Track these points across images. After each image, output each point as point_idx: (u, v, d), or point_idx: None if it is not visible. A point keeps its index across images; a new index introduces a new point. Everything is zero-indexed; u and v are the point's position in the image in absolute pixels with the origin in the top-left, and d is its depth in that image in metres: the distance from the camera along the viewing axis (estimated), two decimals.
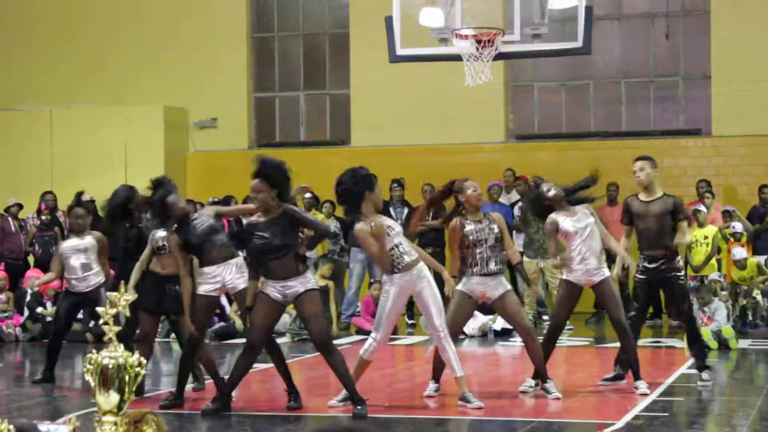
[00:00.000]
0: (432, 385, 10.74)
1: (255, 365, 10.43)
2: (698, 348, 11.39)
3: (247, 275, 10.19)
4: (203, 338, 10.67)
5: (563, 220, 10.86)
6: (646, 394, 10.63)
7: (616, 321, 10.79)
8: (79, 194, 12.62)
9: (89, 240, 12.35)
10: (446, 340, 10.06)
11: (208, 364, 10.79)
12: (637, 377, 10.83)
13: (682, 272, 11.38)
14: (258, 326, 9.96)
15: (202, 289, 10.26)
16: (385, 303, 10.14)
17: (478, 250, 10.38)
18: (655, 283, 11.24)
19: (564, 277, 10.95)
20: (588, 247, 10.78)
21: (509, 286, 10.62)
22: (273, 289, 9.87)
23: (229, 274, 10.31)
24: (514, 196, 18.67)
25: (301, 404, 10.23)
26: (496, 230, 10.46)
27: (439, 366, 10.64)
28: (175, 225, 10.35)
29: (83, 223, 12.44)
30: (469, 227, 10.43)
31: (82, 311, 13.29)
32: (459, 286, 10.56)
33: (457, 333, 10.70)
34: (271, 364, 10.82)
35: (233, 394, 10.30)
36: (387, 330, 10.20)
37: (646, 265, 11.12)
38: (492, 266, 10.40)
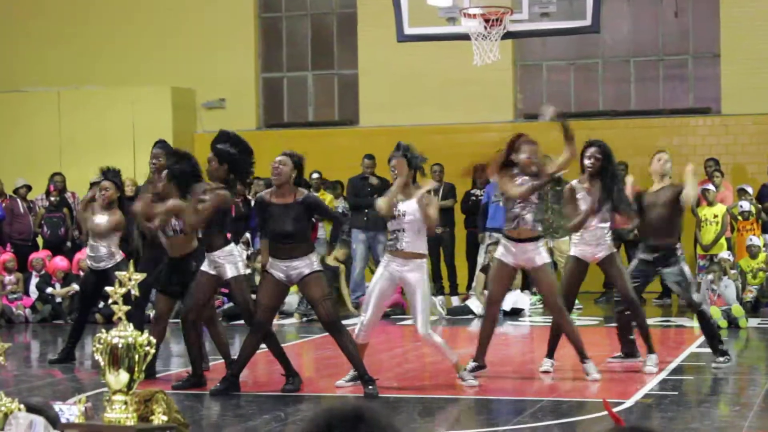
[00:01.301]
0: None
1: (263, 347, 10.43)
2: (711, 337, 11.37)
3: (238, 263, 10.21)
4: (201, 316, 10.60)
5: (581, 192, 10.81)
6: (654, 372, 10.65)
7: (625, 296, 10.81)
8: (106, 170, 12.49)
9: (105, 218, 12.30)
10: (431, 341, 10.08)
11: (220, 345, 10.81)
12: (651, 350, 10.87)
13: (680, 265, 11.25)
14: (263, 306, 10.00)
15: (204, 266, 10.28)
16: (374, 285, 10.18)
17: (512, 204, 10.37)
18: (654, 271, 11.26)
19: (571, 252, 11.02)
20: (595, 225, 10.77)
21: (548, 259, 10.61)
22: (277, 270, 9.90)
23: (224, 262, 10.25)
24: None
25: (299, 386, 10.21)
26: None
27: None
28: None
29: (108, 195, 12.36)
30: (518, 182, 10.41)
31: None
32: (497, 254, 10.63)
33: (498, 304, 10.79)
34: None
35: (242, 374, 10.32)
36: (375, 312, 10.14)
37: (650, 253, 11.13)
38: (529, 219, 10.33)
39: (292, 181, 9.91)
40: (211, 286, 10.44)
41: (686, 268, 11.19)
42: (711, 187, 16.99)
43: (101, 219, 12.25)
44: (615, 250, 10.98)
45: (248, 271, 10.71)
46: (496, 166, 10.74)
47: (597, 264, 11.03)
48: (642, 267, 11.24)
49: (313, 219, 10.72)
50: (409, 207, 9.97)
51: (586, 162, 10.82)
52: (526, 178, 10.41)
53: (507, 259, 10.47)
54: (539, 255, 10.40)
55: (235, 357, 10.39)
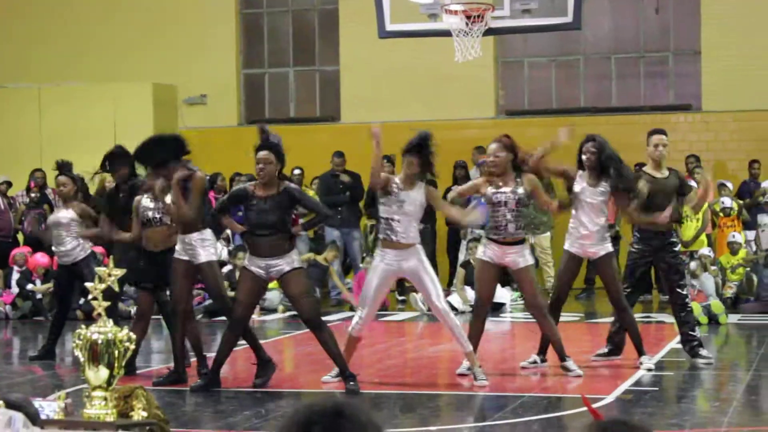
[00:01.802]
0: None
1: (241, 342, 10.43)
2: (689, 328, 11.34)
3: (211, 248, 10.21)
4: (190, 304, 10.65)
5: (581, 185, 10.75)
6: (651, 369, 10.64)
7: (615, 297, 10.75)
8: (61, 164, 12.49)
9: (70, 213, 12.29)
10: (449, 318, 10.06)
11: (194, 340, 10.76)
12: (641, 352, 10.83)
13: (678, 247, 11.33)
14: (241, 302, 9.98)
15: (177, 252, 10.25)
16: (371, 279, 10.16)
17: (498, 212, 10.32)
18: (651, 259, 11.20)
19: (566, 247, 10.89)
20: (592, 220, 10.68)
21: (531, 261, 10.57)
22: (256, 266, 9.87)
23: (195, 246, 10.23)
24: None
25: (270, 374, 10.26)
26: (521, 193, 10.33)
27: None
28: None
29: (66, 191, 12.34)
30: (491, 188, 10.36)
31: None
32: (479, 254, 10.61)
33: (487, 303, 10.75)
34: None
35: (222, 370, 10.30)
36: (373, 306, 10.19)
37: (646, 241, 11.08)
38: (511, 230, 10.30)
39: (277, 174, 9.87)
40: (190, 272, 10.34)
41: (679, 259, 11.20)
42: (692, 183, 17.02)
43: (64, 214, 12.23)
44: (612, 249, 10.90)
45: (222, 256, 10.65)
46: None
47: (592, 261, 10.97)
48: (643, 250, 11.12)
49: (293, 212, 10.66)
50: (408, 197, 9.95)
51: (584, 157, 10.76)
52: (495, 179, 10.37)
53: (490, 258, 10.43)
54: (523, 257, 10.38)
55: (212, 354, 10.37)
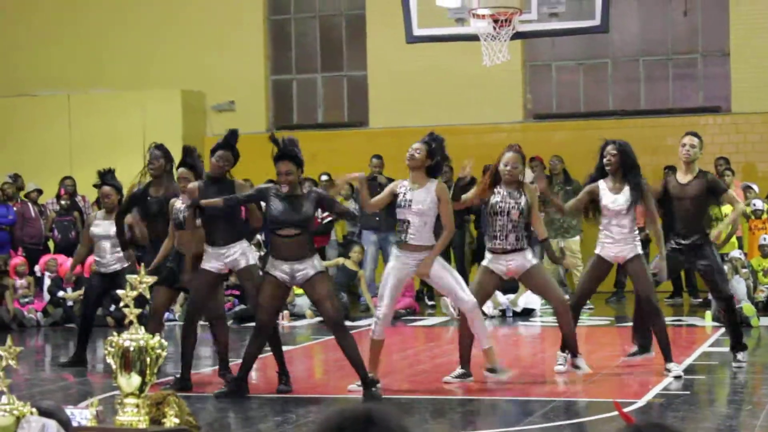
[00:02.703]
0: (458, 370, 10.66)
1: (268, 349, 10.43)
2: (734, 328, 11.23)
3: (249, 254, 10.23)
4: (201, 314, 10.68)
5: (605, 192, 10.68)
6: (680, 377, 10.54)
7: (647, 300, 10.61)
8: (103, 172, 12.53)
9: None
10: (476, 312, 10.00)
11: (222, 347, 10.73)
12: (668, 359, 10.67)
13: (712, 255, 11.09)
14: (265, 307, 9.89)
15: (207, 264, 10.23)
16: (386, 278, 10.09)
17: (498, 221, 10.28)
18: (685, 260, 11.10)
19: (597, 251, 10.80)
20: (621, 225, 10.61)
21: (534, 261, 10.48)
22: (280, 271, 9.78)
23: (232, 255, 10.24)
24: (527, 176, 18.59)
25: (291, 387, 10.27)
26: (523, 204, 10.29)
27: (465, 352, 10.54)
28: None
29: (110, 202, 12.40)
30: (496, 197, 10.33)
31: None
32: (484, 262, 10.53)
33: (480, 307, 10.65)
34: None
35: (251, 376, 10.32)
36: (388, 304, 10.03)
37: (680, 241, 10.97)
38: (512, 240, 10.26)
39: (299, 181, 9.87)
40: (212, 285, 10.39)
41: (718, 258, 11.08)
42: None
43: (108, 225, 12.27)
44: (641, 251, 10.78)
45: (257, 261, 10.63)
46: (484, 186, 10.56)
47: (622, 264, 10.86)
48: (671, 255, 10.99)
49: (319, 216, 10.66)
50: (416, 196, 9.87)
51: (604, 161, 10.70)
52: (503, 189, 10.34)
53: (494, 267, 10.39)
54: (525, 261, 10.33)
55: (239, 360, 10.37)
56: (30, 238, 18.43)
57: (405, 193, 9.89)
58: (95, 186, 12.94)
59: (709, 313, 15.00)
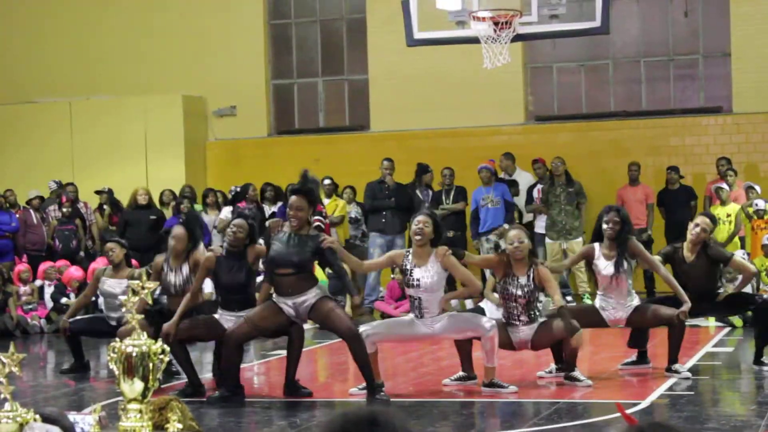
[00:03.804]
0: (459, 373, 10.74)
1: (277, 352, 10.44)
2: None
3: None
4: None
5: (600, 259, 10.82)
6: (688, 378, 10.59)
7: (669, 320, 10.72)
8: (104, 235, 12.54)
9: (125, 283, 12.20)
10: (493, 333, 10.02)
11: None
12: (676, 360, 10.78)
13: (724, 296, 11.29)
14: (250, 320, 9.97)
15: (219, 316, 10.37)
16: (395, 323, 10.37)
17: (508, 303, 10.41)
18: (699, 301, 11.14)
19: (597, 305, 10.97)
20: (618, 291, 10.77)
21: (542, 319, 10.50)
22: (285, 305, 9.90)
23: None
24: (527, 178, 18.58)
25: (311, 391, 10.33)
26: (531, 287, 10.34)
27: (465, 355, 10.62)
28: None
29: (114, 256, 12.37)
30: (502, 283, 10.45)
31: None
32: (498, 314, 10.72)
33: None
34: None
35: (256, 380, 10.31)
36: (378, 333, 10.12)
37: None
38: (524, 319, 10.37)
39: (309, 218, 9.98)
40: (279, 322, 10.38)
41: (729, 289, 11.21)
42: (724, 186, 17.01)
43: (115, 283, 12.29)
44: (638, 302, 10.88)
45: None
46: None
47: (625, 325, 11.00)
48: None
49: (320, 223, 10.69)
50: (424, 274, 10.00)
51: (605, 226, 10.79)
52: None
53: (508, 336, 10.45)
54: (535, 326, 10.40)
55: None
56: (32, 245, 18.46)
57: (412, 271, 10.02)
58: (97, 192, 12.95)
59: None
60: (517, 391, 10.14)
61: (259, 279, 11.34)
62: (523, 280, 10.33)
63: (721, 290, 11.38)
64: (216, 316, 10.39)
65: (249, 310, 10.20)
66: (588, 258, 10.93)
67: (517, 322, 10.36)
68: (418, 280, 9.97)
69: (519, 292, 10.31)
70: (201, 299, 10.77)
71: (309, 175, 10.11)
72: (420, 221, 10.07)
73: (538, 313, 10.44)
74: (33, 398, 10.53)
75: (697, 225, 11.16)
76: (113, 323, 12.04)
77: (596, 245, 10.87)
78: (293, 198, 9.90)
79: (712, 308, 11.53)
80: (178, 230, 11.11)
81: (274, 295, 10.04)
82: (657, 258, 11.22)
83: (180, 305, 10.38)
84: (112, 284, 12.35)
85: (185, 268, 11.05)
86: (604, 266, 10.77)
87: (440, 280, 10.07)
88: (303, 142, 20.85)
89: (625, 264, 10.74)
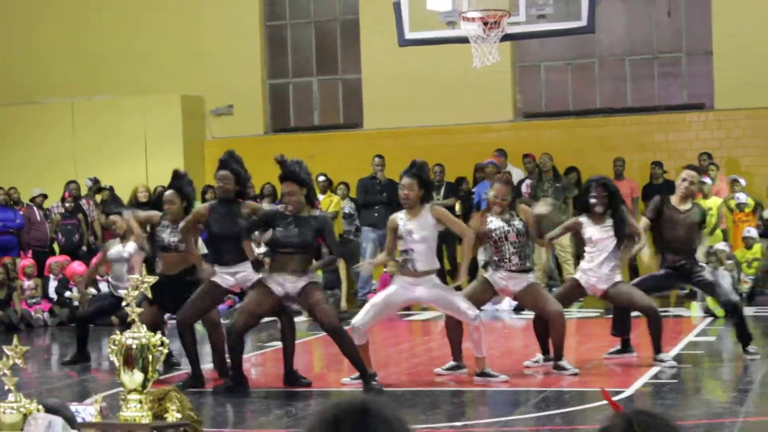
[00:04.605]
0: (450, 363, 10.91)
1: (273, 343, 10.68)
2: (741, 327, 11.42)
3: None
4: (195, 320, 10.79)
5: (588, 227, 10.97)
6: (674, 366, 10.77)
7: (643, 308, 10.90)
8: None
9: (131, 246, 12.65)
10: (478, 324, 10.18)
11: (219, 353, 10.95)
12: (660, 350, 10.96)
13: (705, 269, 11.47)
14: (246, 310, 10.17)
15: (218, 279, 10.49)
16: (381, 298, 10.47)
17: (500, 247, 10.58)
18: (676, 278, 11.43)
19: (576, 276, 11.14)
20: (603, 257, 10.91)
21: (532, 280, 10.77)
22: (274, 282, 10.08)
23: (242, 273, 10.50)
24: (517, 173, 18.79)
25: (309, 381, 10.53)
26: (519, 226, 10.60)
27: (456, 344, 10.80)
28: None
29: (118, 228, 12.72)
30: (491, 225, 10.64)
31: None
32: (486, 273, 10.86)
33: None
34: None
35: (254, 371, 10.52)
36: (368, 321, 10.31)
37: (672, 264, 11.26)
38: (516, 261, 10.56)
39: (305, 201, 10.13)
40: (216, 299, 10.78)
41: (708, 275, 11.33)
42: (707, 180, 17.23)
43: (123, 248, 12.63)
44: (620, 278, 11.02)
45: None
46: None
47: (602, 296, 11.12)
48: (663, 277, 11.36)
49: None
50: (416, 225, 10.17)
51: (593, 201, 10.94)
52: (495, 217, 10.63)
53: (494, 281, 10.66)
54: (526, 280, 10.61)
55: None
56: (36, 241, 18.70)
57: (404, 225, 10.19)
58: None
59: (695, 304, 15.23)
60: (508, 380, 10.29)
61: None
62: (507, 216, 10.56)
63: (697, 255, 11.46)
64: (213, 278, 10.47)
65: (243, 268, 10.41)
66: (576, 229, 11.09)
67: (508, 265, 10.50)
68: (410, 231, 10.12)
69: (508, 228, 10.50)
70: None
71: (286, 160, 10.18)
72: (404, 186, 10.23)
73: (528, 263, 10.68)
74: (37, 389, 10.68)
75: (684, 179, 11.32)
76: (120, 293, 12.30)
77: (583, 217, 11.01)
78: (283, 185, 10.11)
79: (685, 281, 11.63)
80: (168, 193, 11.20)
81: (266, 275, 10.17)
82: (644, 222, 11.34)
83: (192, 249, 10.62)
84: (117, 249, 12.66)
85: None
86: (596, 231, 10.88)
87: (433, 232, 10.22)
88: (298, 140, 20.91)
89: (621, 231, 10.86)
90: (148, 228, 11.60)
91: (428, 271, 10.24)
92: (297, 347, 10.77)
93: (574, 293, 11.26)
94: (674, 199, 11.40)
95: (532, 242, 10.83)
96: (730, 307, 11.45)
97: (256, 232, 10.50)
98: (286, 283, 10.06)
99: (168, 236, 11.04)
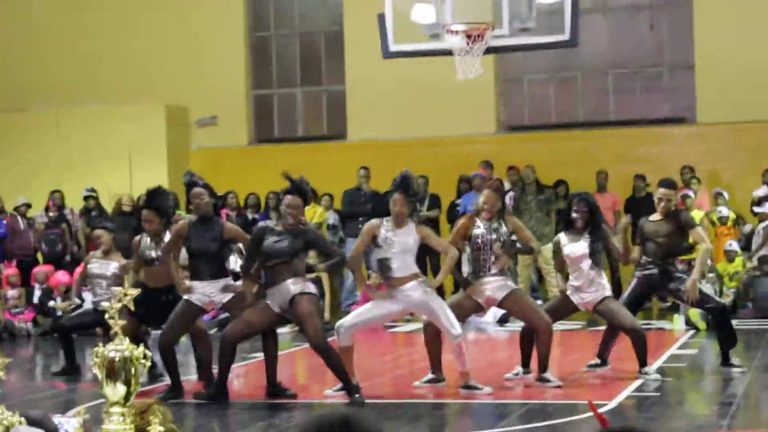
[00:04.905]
0: (429, 375, 10.92)
1: (255, 355, 10.71)
2: (727, 339, 11.44)
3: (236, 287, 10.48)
4: (175, 342, 10.83)
5: (565, 244, 11.06)
6: (658, 380, 10.80)
7: (629, 328, 10.92)
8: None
9: (115, 265, 12.66)
10: (462, 343, 10.23)
11: (206, 362, 11.01)
12: (645, 363, 11.02)
13: (683, 278, 11.41)
14: (244, 320, 10.18)
15: (193, 297, 10.53)
16: (369, 306, 10.51)
17: (482, 254, 10.61)
18: (655, 285, 11.43)
19: (568, 292, 11.12)
20: (588, 271, 10.97)
21: (514, 285, 10.82)
22: (272, 299, 10.12)
23: (216, 293, 10.56)
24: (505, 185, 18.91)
25: (295, 393, 10.52)
26: (505, 236, 10.61)
27: (435, 357, 10.81)
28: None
29: (102, 242, 12.75)
30: (477, 230, 10.69)
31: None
32: (467, 290, 10.81)
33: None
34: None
35: (237, 383, 10.55)
36: (356, 323, 10.40)
37: (648, 267, 11.31)
38: (494, 270, 10.58)
39: (301, 216, 10.17)
40: (193, 317, 10.78)
41: (687, 284, 11.28)
42: (690, 193, 17.30)
43: (105, 265, 12.65)
44: (609, 293, 11.04)
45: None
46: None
47: (592, 310, 11.17)
48: (642, 288, 11.40)
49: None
50: (399, 237, 10.22)
51: (574, 215, 11.03)
52: (483, 223, 10.66)
53: (475, 296, 10.67)
54: (506, 284, 10.62)
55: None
56: (20, 250, 18.69)
57: (386, 234, 10.24)
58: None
59: (677, 317, 15.28)
60: (492, 392, 10.32)
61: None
62: (495, 224, 10.62)
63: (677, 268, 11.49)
64: (186, 297, 10.53)
65: (226, 286, 10.46)
66: (557, 249, 11.13)
67: (486, 275, 10.56)
68: (392, 239, 10.18)
69: (495, 236, 10.55)
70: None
71: (294, 178, 10.27)
72: (397, 201, 10.27)
73: (508, 271, 10.73)
74: (20, 400, 10.63)
75: (660, 199, 11.35)
76: (101, 308, 12.26)
77: (561, 235, 11.13)
78: (289, 197, 10.11)
79: (669, 292, 11.60)
80: (146, 212, 11.30)
81: (267, 296, 10.19)
82: (638, 251, 11.35)
83: (171, 271, 10.61)
84: (101, 265, 12.65)
85: (165, 241, 11.13)
86: (572, 249, 10.97)
87: (414, 245, 10.27)
88: (282, 151, 20.93)
89: (597, 248, 10.94)
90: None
91: (407, 276, 10.27)
92: (281, 358, 10.79)
93: (567, 308, 11.25)
94: (654, 216, 11.47)
95: (515, 256, 10.86)
96: (716, 312, 11.46)
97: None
98: (282, 294, 10.08)
99: (151, 251, 11.15)
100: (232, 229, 10.82)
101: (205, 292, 10.53)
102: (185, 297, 10.52)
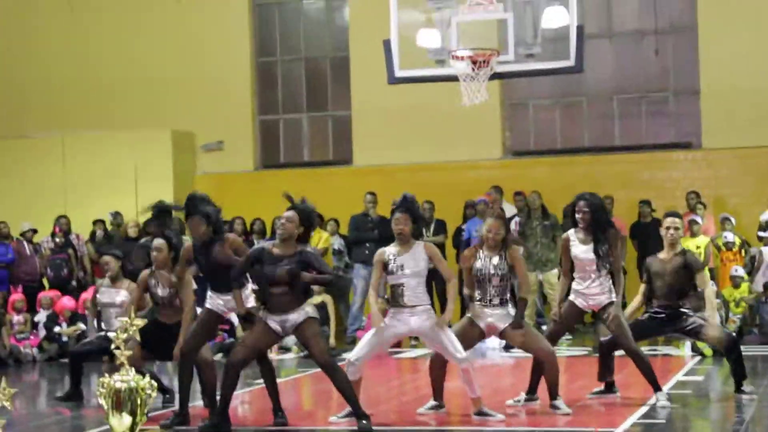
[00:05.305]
0: (431, 402, 10.90)
1: (260, 381, 10.68)
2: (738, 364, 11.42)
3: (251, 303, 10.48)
4: (199, 347, 10.72)
5: (575, 243, 10.99)
6: (665, 407, 10.74)
7: (627, 347, 10.90)
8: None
9: (123, 294, 12.65)
10: (469, 368, 10.23)
11: (210, 389, 10.87)
12: (658, 389, 10.98)
13: (692, 316, 11.35)
14: (246, 344, 10.12)
15: (210, 303, 10.54)
16: (372, 330, 10.46)
17: (482, 286, 10.56)
18: (663, 323, 11.38)
19: (571, 298, 11.11)
20: (589, 275, 10.93)
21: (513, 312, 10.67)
22: (273, 321, 10.04)
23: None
24: (509, 210, 18.88)
25: (287, 420, 10.42)
26: (504, 268, 10.54)
27: (438, 384, 10.80)
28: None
29: (110, 269, 12.75)
30: (478, 263, 10.63)
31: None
32: (468, 313, 10.78)
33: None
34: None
35: (239, 409, 10.52)
36: (363, 355, 10.35)
37: (659, 310, 11.31)
38: (496, 302, 10.54)
39: (296, 238, 10.08)
40: (213, 324, 10.84)
41: (697, 320, 11.24)
42: (698, 218, 17.27)
43: (114, 294, 12.65)
44: (615, 299, 10.94)
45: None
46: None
47: (596, 312, 11.12)
48: (650, 322, 11.35)
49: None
50: (407, 260, 10.20)
51: (577, 216, 10.97)
52: (484, 255, 10.62)
53: (477, 320, 10.63)
54: (508, 314, 10.55)
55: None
56: (26, 276, 18.72)
57: (394, 260, 10.22)
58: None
59: (683, 343, 15.28)
60: (505, 419, 10.28)
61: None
62: (496, 260, 10.53)
63: (686, 307, 11.42)
64: (207, 304, 10.54)
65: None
66: (566, 246, 11.04)
67: (488, 305, 10.51)
68: (402, 265, 10.15)
69: (493, 271, 10.48)
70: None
71: (300, 199, 10.25)
72: (399, 221, 10.26)
73: (509, 302, 10.63)
74: (26, 426, 10.68)
75: (668, 228, 11.31)
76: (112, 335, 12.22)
77: (570, 231, 11.03)
78: (287, 213, 10.05)
79: (675, 330, 11.52)
80: (158, 241, 11.28)
81: (261, 312, 10.13)
82: (643, 287, 11.35)
83: (183, 323, 10.66)
84: (109, 293, 12.64)
85: (170, 277, 11.16)
86: (581, 251, 10.90)
87: (424, 268, 10.23)
88: (288, 176, 20.91)
89: (602, 250, 10.85)
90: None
91: (418, 304, 10.25)
92: (287, 384, 10.77)
93: (573, 314, 11.20)
94: (661, 254, 11.45)
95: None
96: (729, 343, 11.40)
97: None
98: (284, 323, 10.04)
99: (160, 291, 11.16)
100: (235, 241, 10.76)
101: (227, 303, 10.51)
102: (207, 306, 10.51)
